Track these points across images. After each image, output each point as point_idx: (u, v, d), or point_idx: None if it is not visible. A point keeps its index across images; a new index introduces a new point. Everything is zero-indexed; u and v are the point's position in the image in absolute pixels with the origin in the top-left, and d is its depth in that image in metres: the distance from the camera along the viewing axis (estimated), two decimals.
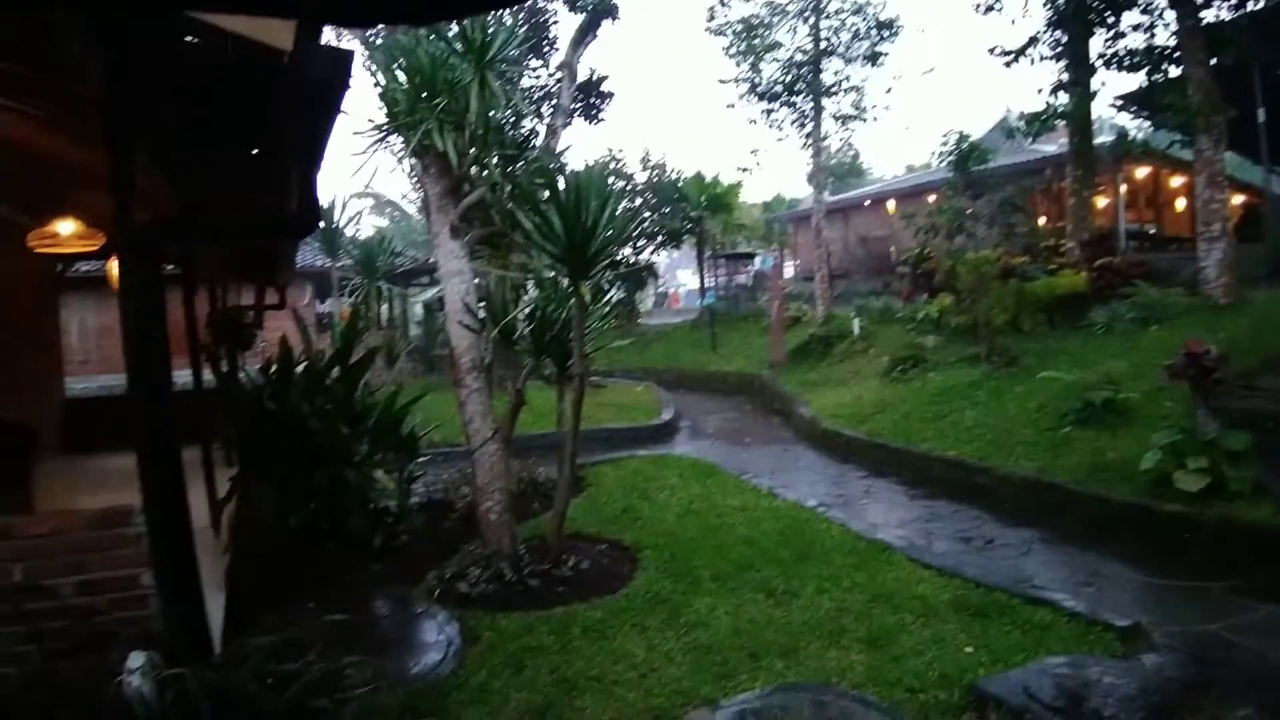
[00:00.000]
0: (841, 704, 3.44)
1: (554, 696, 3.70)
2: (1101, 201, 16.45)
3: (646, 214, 24.09)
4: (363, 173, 26.49)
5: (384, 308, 18.29)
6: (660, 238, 24.74)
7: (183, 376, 4.37)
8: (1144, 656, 3.89)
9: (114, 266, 6.74)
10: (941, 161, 17.15)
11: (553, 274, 5.69)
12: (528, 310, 5.82)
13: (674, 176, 24.89)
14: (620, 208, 5.42)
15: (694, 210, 23.78)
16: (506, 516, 5.51)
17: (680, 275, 44.86)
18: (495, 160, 5.97)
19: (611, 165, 23.07)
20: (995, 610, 4.49)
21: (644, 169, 25.31)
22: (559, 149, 15.58)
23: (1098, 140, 15.35)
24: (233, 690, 3.21)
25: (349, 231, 19.85)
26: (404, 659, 4.19)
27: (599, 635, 4.35)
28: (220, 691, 3.19)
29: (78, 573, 3.57)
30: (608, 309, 6.32)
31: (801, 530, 6.06)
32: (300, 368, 6.50)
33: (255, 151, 4.80)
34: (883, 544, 5.73)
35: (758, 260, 29.92)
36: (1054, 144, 19.16)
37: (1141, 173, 18.48)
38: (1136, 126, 17.26)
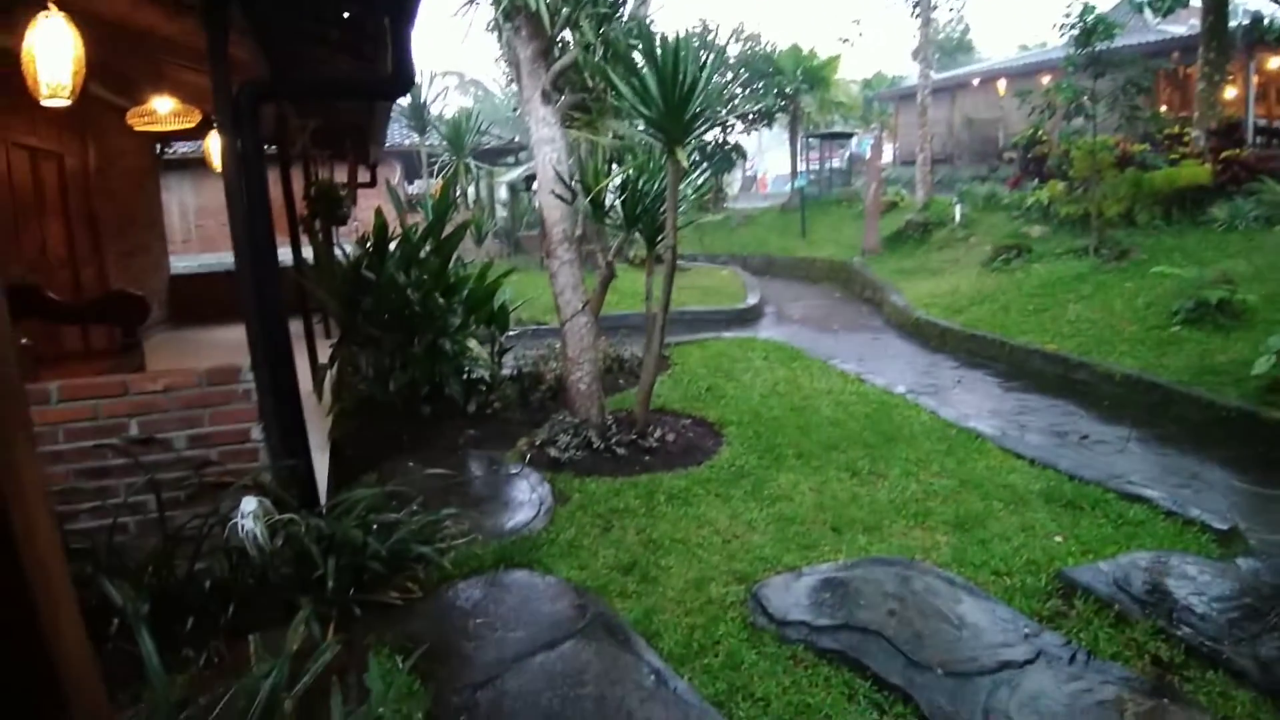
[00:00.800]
0: (926, 579, 3.45)
1: (640, 555, 3.82)
2: (1229, 93, 15.06)
3: (738, 91, 23.13)
4: (450, 41, 26.07)
5: (471, 187, 18.42)
6: (751, 117, 23.81)
7: (282, 254, 4.46)
8: (1240, 560, 3.75)
9: (212, 144, 6.93)
10: (1062, 35, 15.81)
11: (647, 141, 5.55)
12: (619, 181, 5.72)
13: (768, 49, 23.68)
14: (713, 78, 5.19)
15: (789, 85, 22.71)
16: (595, 387, 5.60)
17: (769, 159, 43.43)
18: (587, 20, 5.75)
19: (703, 36, 22.06)
20: (1088, 503, 4.38)
21: (736, 41, 24.15)
22: (647, 15, 14.88)
23: (1231, 23, 13.92)
24: (339, 535, 3.41)
25: (434, 110, 19.85)
26: (498, 515, 4.38)
27: (683, 502, 4.45)
28: (328, 536, 3.40)
29: (190, 426, 3.77)
30: (692, 192, 6.18)
31: (889, 415, 5.99)
32: (394, 241, 6.63)
33: (347, 14, 4.74)
34: (974, 432, 5.62)
35: (854, 142, 28.63)
36: (1183, 25, 17.51)
37: (1274, 63, 16.80)
38: (1272, 13, 15.52)
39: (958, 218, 14.72)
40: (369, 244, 6.47)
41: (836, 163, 26.15)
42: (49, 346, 5.74)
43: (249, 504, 3.23)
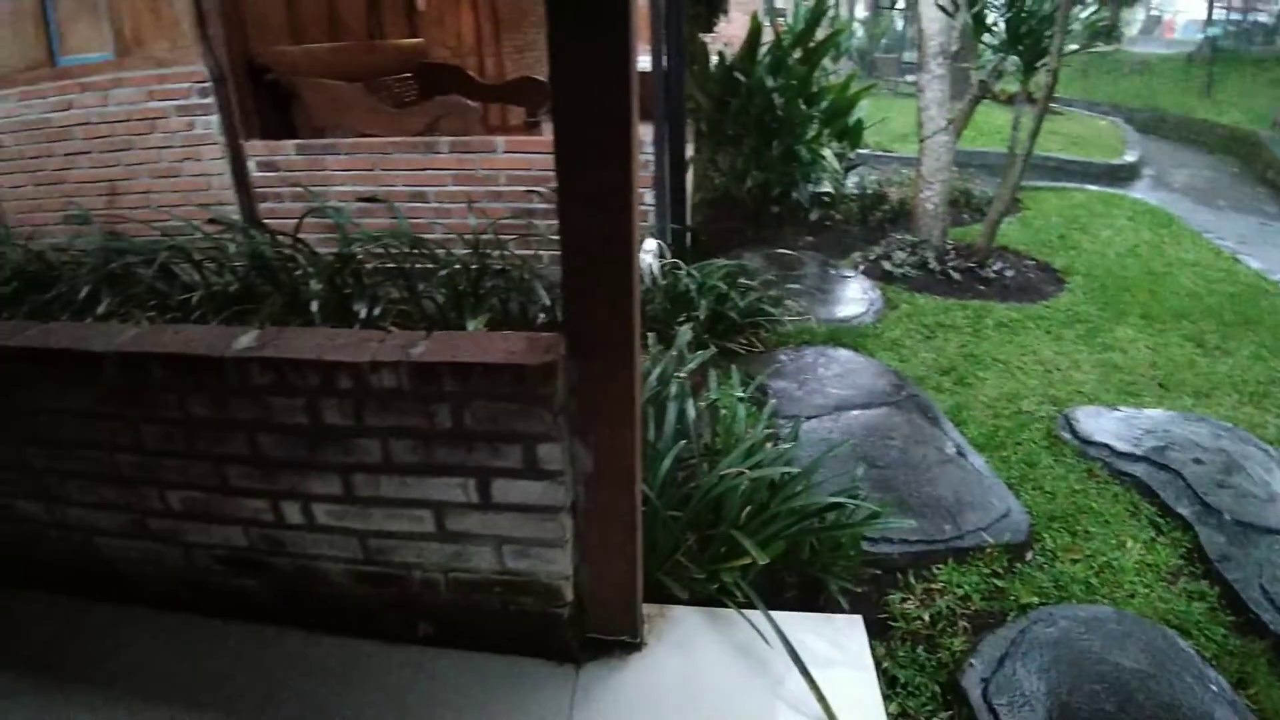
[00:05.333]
0: (1244, 446, 3.45)
1: (959, 363, 4.15)
2: None
3: None
4: None
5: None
6: None
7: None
8: None
9: None
10: None
11: None
12: None
13: None
14: None
15: None
16: (942, 210, 5.73)
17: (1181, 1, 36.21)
18: None
19: None
20: None
21: None
22: None
23: None
24: (708, 284, 4.12)
25: None
26: (831, 306, 4.88)
27: (1010, 331, 4.63)
28: (700, 283, 4.12)
29: None
30: (1083, 21, 5.73)
31: (1255, 299, 5.50)
32: (764, 48, 6.97)
33: None
34: None
35: None
36: None
37: None
38: None
39: None
40: (741, 46, 6.88)
41: (1264, 16, 21.39)
42: None
43: (650, 244, 4.00)
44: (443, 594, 1.97)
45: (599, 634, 2.03)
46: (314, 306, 3.66)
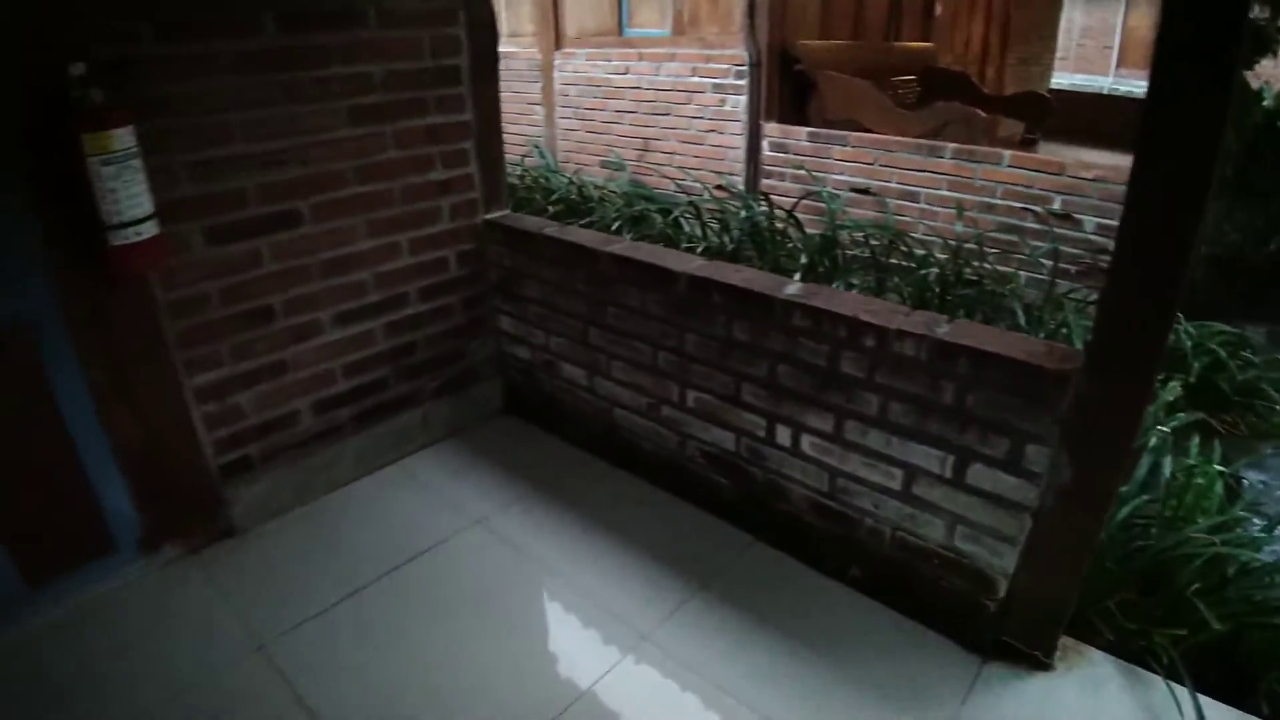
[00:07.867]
0: None
1: None
2: None
3: None
4: None
5: None
6: None
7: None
8: None
9: None
10: None
11: None
12: None
13: None
14: None
15: None
16: None
17: None
18: None
19: None
20: None
21: None
22: None
23: None
24: (1203, 346, 3.77)
25: None
26: None
27: None
28: (1195, 343, 3.78)
29: (1103, 216, 4.35)
30: None
31: None
32: None
33: None
34: None
35: None
36: None
37: None
38: None
39: None
40: None
41: None
42: None
43: None
44: (884, 548, 2.20)
45: (1013, 640, 2.11)
46: (796, 278, 4.07)
